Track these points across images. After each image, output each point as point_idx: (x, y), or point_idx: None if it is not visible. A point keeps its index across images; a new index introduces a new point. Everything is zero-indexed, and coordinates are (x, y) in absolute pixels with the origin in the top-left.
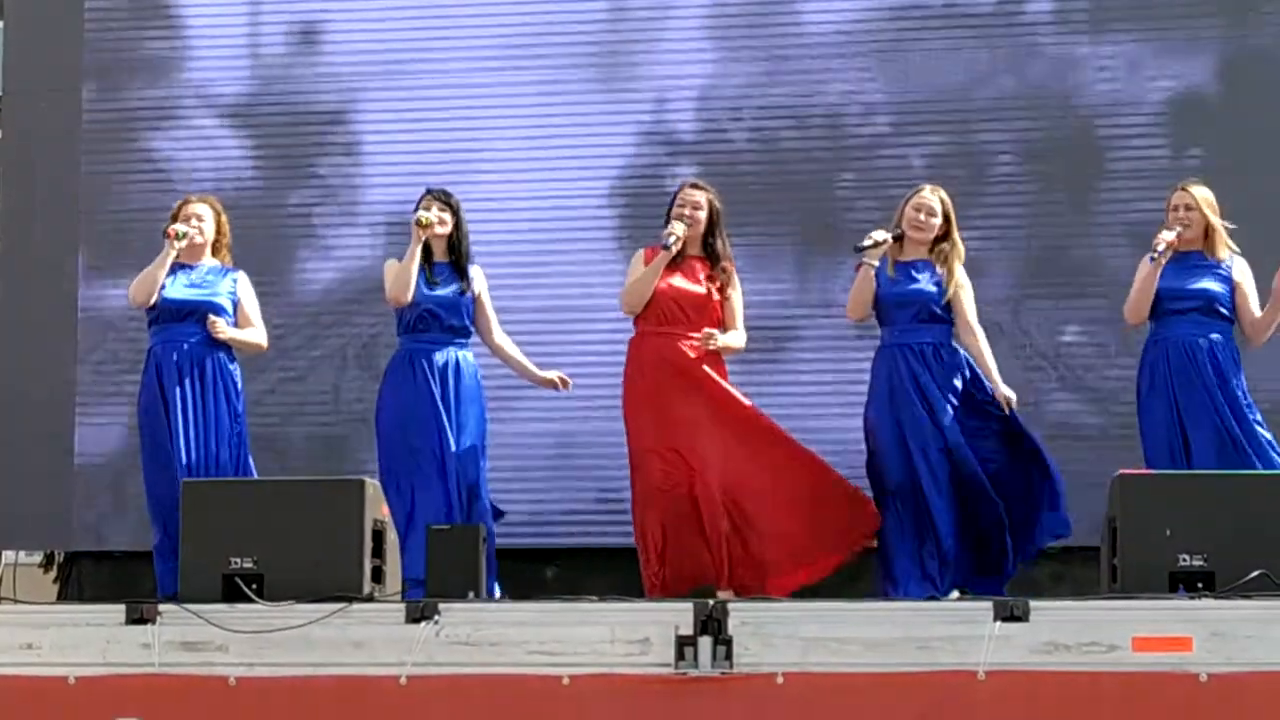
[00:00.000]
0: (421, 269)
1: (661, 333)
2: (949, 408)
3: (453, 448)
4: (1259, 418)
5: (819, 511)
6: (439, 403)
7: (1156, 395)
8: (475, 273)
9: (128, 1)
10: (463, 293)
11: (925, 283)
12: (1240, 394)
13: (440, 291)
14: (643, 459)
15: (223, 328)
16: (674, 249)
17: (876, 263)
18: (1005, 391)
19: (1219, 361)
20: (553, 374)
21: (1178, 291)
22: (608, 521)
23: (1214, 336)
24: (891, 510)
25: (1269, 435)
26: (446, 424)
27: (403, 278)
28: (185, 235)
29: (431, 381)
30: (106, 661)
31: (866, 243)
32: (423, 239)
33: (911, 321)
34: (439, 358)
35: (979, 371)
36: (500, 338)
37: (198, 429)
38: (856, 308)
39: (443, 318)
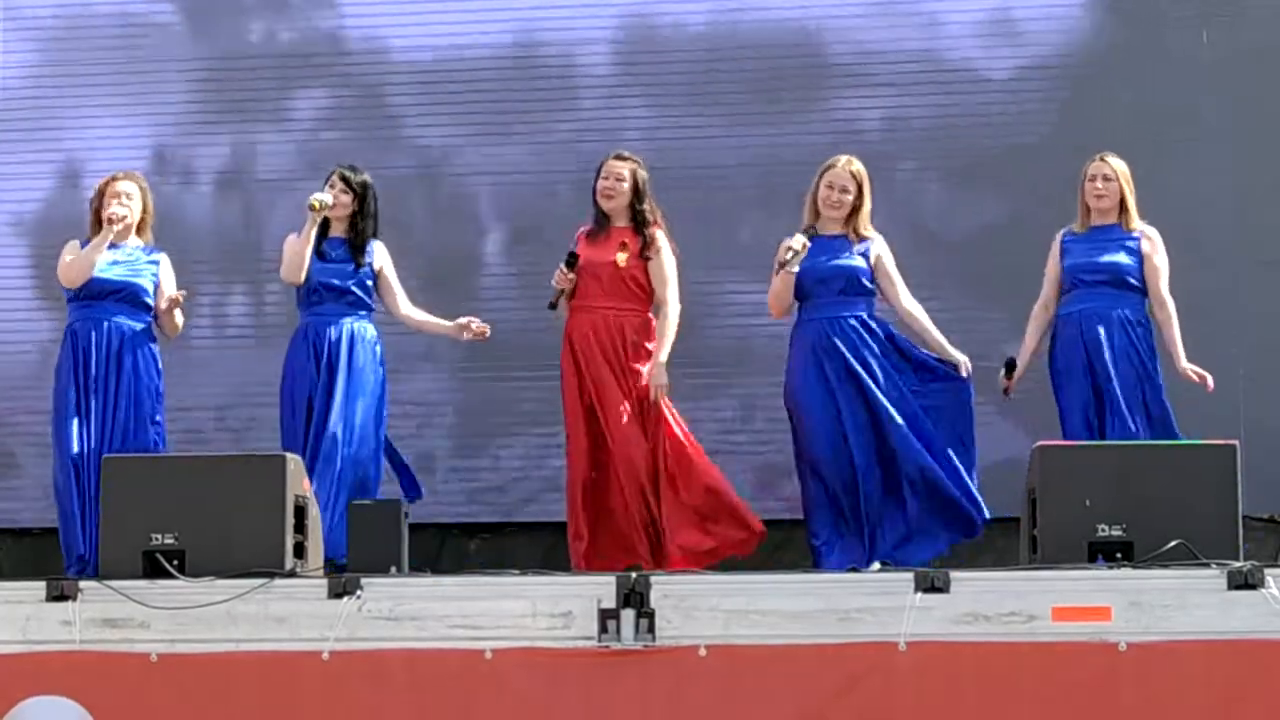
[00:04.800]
0: (315, 241)
1: (582, 306)
2: (875, 380)
3: (337, 424)
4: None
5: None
6: (321, 378)
7: (1073, 369)
8: (376, 248)
9: None
10: (357, 268)
11: (849, 257)
12: (1151, 368)
13: (334, 265)
14: (572, 435)
15: (169, 304)
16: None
17: (797, 268)
18: (956, 355)
19: (1130, 335)
20: (464, 319)
21: (1088, 265)
22: (530, 496)
23: (1124, 311)
24: (815, 482)
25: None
26: (334, 400)
27: (295, 260)
28: (124, 219)
29: (318, 355)
30: (27, 639)
31: (788, 255)
32: (317, 221)
33: (835, 295)
34: (332, 331)
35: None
36: (407, 309)
37: (112, 408)
38: (780, 308)
39: (337, 289)
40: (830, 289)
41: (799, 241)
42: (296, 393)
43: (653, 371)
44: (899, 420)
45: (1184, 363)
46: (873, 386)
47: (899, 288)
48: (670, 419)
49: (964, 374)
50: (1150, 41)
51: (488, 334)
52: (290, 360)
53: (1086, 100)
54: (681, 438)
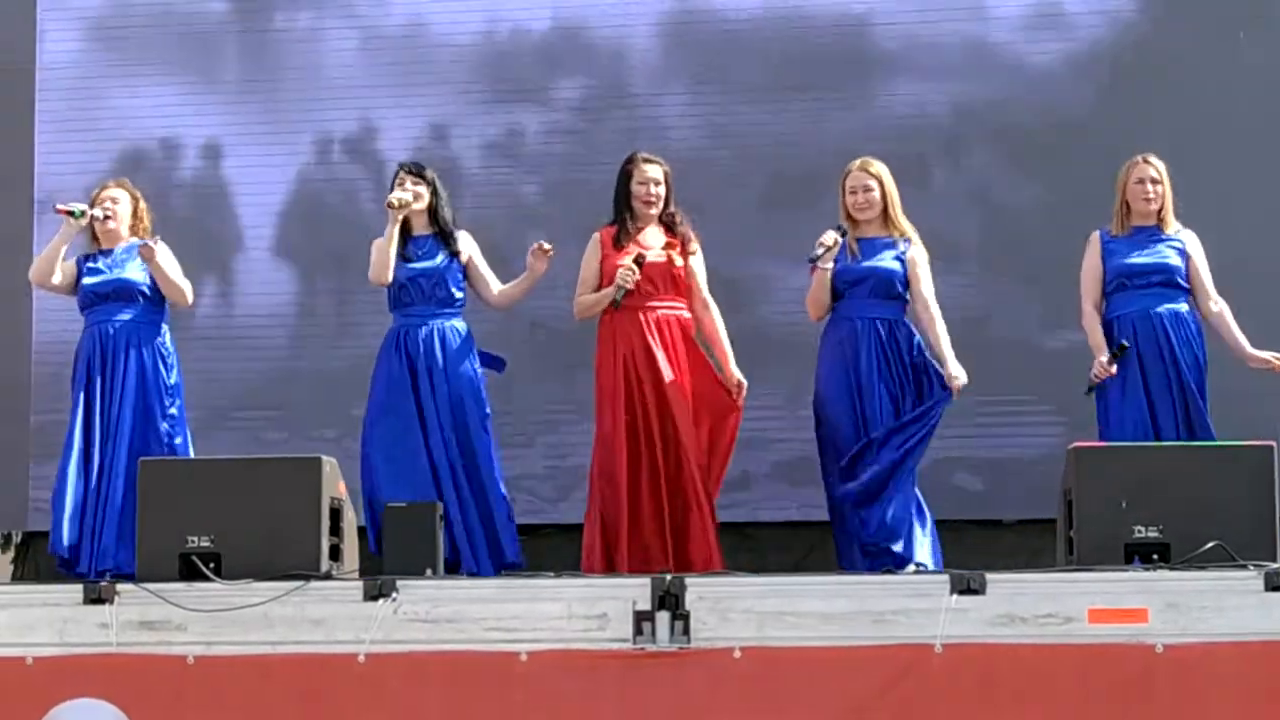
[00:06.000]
0: (400, 244)
1: (637, 306)
2: (890, 391)
3: (436, 423)
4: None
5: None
6: (418, 381)
7: (1124, 369)
8: (463, 238)
9: None
10: (452, 260)
11: (884, 259)
12: (1199, 366)
13: (420, 264)
14: (608, 436)
15: (153, 253)
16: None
17: (831, 265)
18: (955, 371)
19: (1184, 332)
20: (534, 248)
21: (1139, 267)
22: (566, 497)
23: (1176, 307)
24: (845, 483)
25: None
26: (430, 400)
27: (380, 260)
28: (84, 214)
29: (412, 358)
30: (64, 642)
31: (818, 251)
32: (399, 220)
33: (865, 297)
34: (422, 332)
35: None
36: (499, 292)
37: (110, 408)
38: (817, 309)
39: (425, 289)
40: (860, 290)
41: (830, 237)
42: (390, 397)
43: (731, 372)
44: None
45: (1251, 349)
46: (887, 395)
47: (923, 288)
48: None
49: (952, 388)
50: (1190, 39)
51: (549, 249)
52: (381, 363)
53: (1128, 93)
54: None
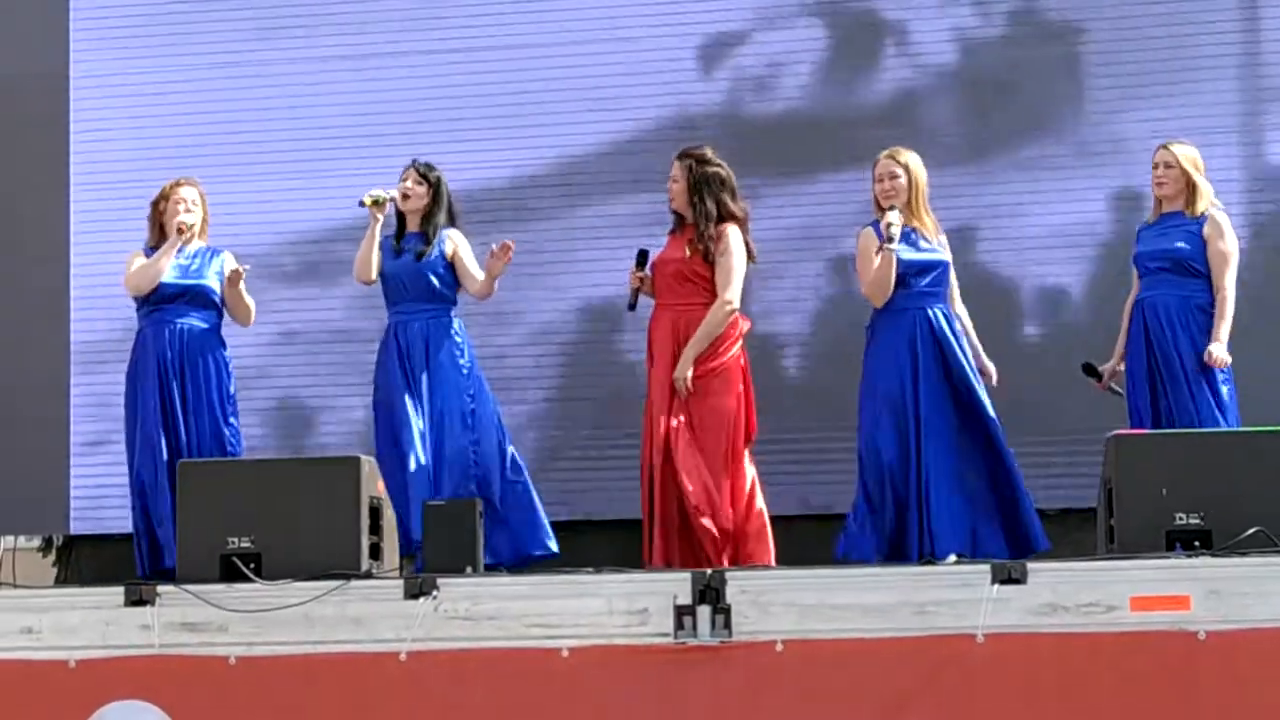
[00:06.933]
0: (388, 240)
1: (659, 305)
2: (969, 372)
3: (425, 420)
4: (1214, 381)
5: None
6: (409, 376)
7: (1134, 354)
8: (450, 235)
9: None
10: (418, 258)
11: (938, 251)
12: (1180, 352)
13: (401, 260)
14: (644, 431)
15: (240, 279)
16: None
17: (897, 247)
18: (987, 364)
19: (1188, 319)
20: (490, 254)
21: (1151, 253)
22: (606, 493)
23: (1186, 296)
24: (885, 474)
25: (1215, 397)
26: (416, 397)
27: (361, 258)
28: (192, 226)
29: (403, 354)
30: (106, 644)
31: (894, 232)
32: (379, 218)
33: (928, 285)
34: (411, 329)
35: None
36: (485, 287)
37: (184, 411)
38: (885, 293)
39: (408, 286)
40: (923, 279)
41: (896, 216)
42: (386, 395)
43: (675, 365)
44: (993, 415)
45: (1211, 346)
46: (972, 380)
47: (955, 284)
48: (670, 420)
49: (992, 384)
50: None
51: (511, 245)
52: (379, 362)
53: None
54: (674, 441)
